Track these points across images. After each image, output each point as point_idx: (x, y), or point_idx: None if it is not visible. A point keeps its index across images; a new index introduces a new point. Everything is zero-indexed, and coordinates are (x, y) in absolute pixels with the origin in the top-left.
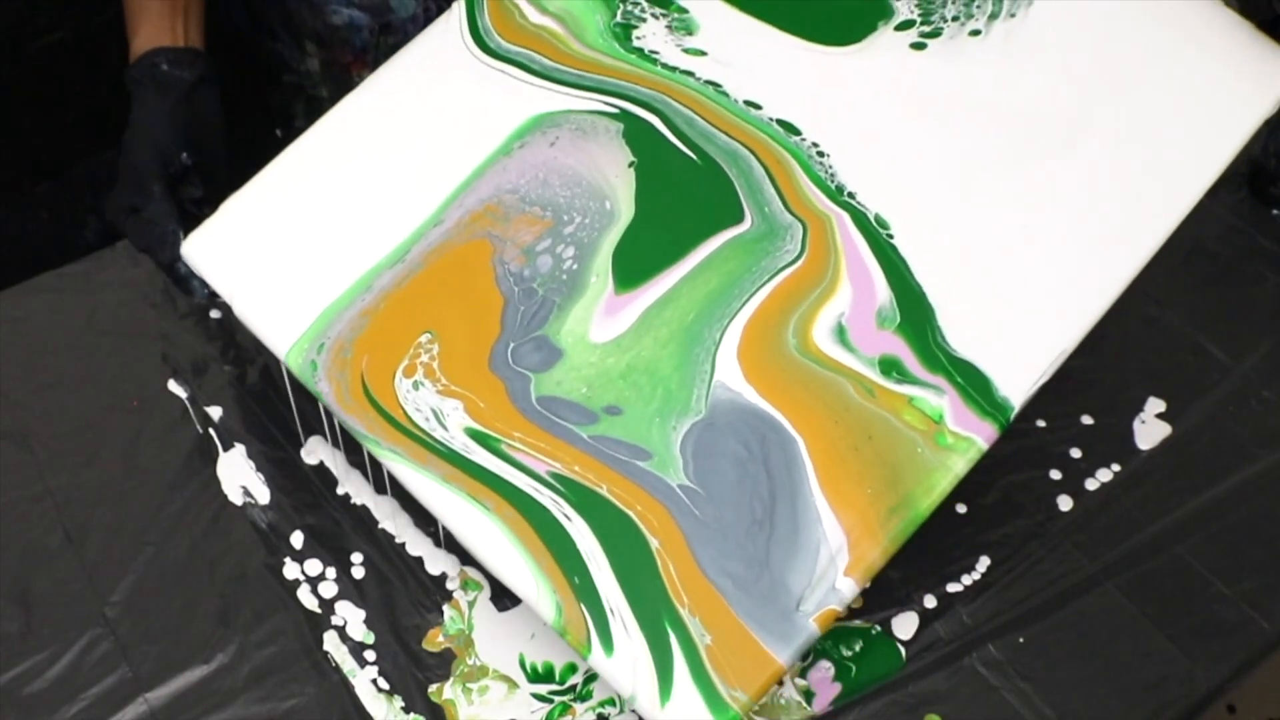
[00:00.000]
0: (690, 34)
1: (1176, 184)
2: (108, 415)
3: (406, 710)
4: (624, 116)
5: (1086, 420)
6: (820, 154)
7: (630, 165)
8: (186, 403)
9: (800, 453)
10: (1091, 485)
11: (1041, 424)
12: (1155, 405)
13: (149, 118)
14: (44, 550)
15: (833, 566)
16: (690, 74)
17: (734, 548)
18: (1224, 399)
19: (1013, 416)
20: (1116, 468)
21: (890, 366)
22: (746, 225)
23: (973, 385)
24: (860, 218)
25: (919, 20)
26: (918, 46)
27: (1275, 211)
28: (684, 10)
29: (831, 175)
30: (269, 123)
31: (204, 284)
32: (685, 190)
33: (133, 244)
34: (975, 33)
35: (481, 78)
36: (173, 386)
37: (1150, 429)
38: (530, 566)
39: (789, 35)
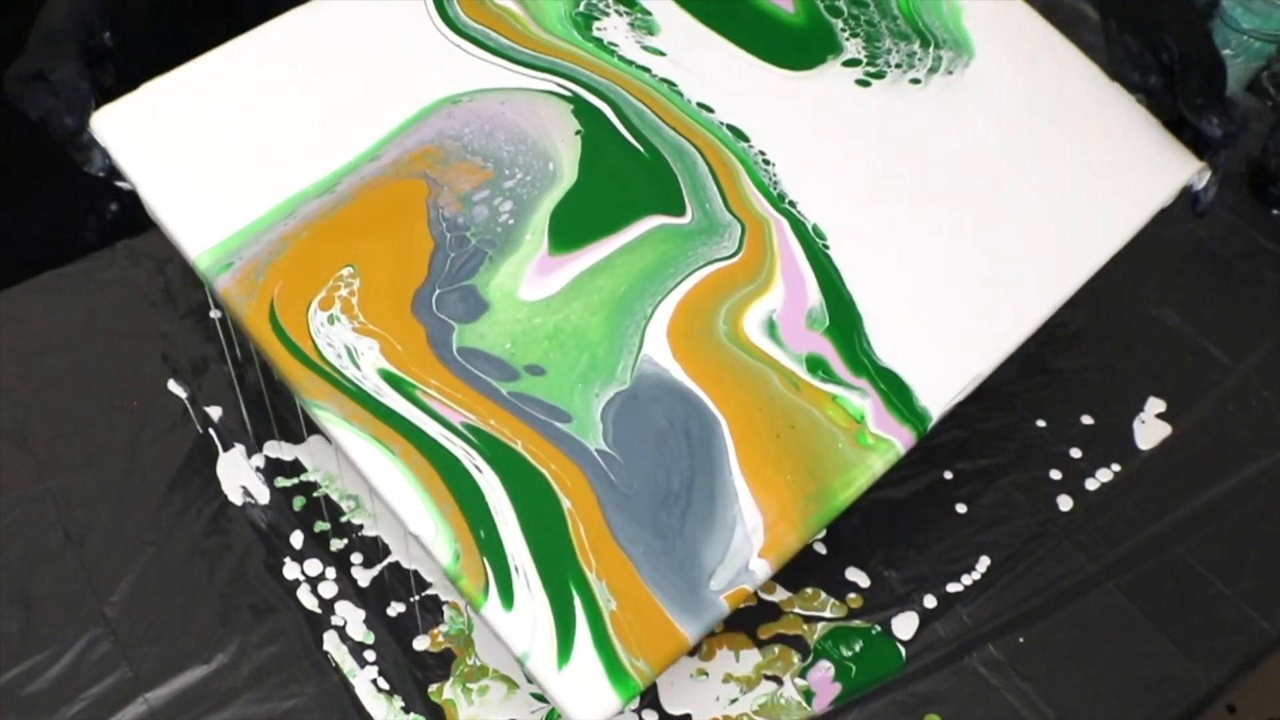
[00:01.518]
0: (651, 34)
1: (1084, 250)
2: (108, 415)
3: (406, 710)
4: (574, 99)
5: (1086, 420)
6: (766, 162)
7: (577, 133)
8: (186, 403)
9: (722, 433)
10: (1091, 485)
11: (1041, 424)
12: (1155, 405)
13: None
14: (44, 550)
15: (747, 545)
16: (646, 69)
17: (648, 517)
18: (1224, 399)
19: (930, 426)
20: (1116, 468)
21: (816, 365)
22: (687, 219)
23: (895, 392)
24: (799, 225)
25: (865, 61)
26: (863, 83)
27: (1275, 211)
28: (647, 12)
29: (775, 182)
30: None
31: (106, 157)
32: (628, 174)
33: (29, 111)
34: (915, 81)
35: (437, 45)
36: (173, 386)
37: (1150, 429)
38: (432, 513)
39: (745, 52)
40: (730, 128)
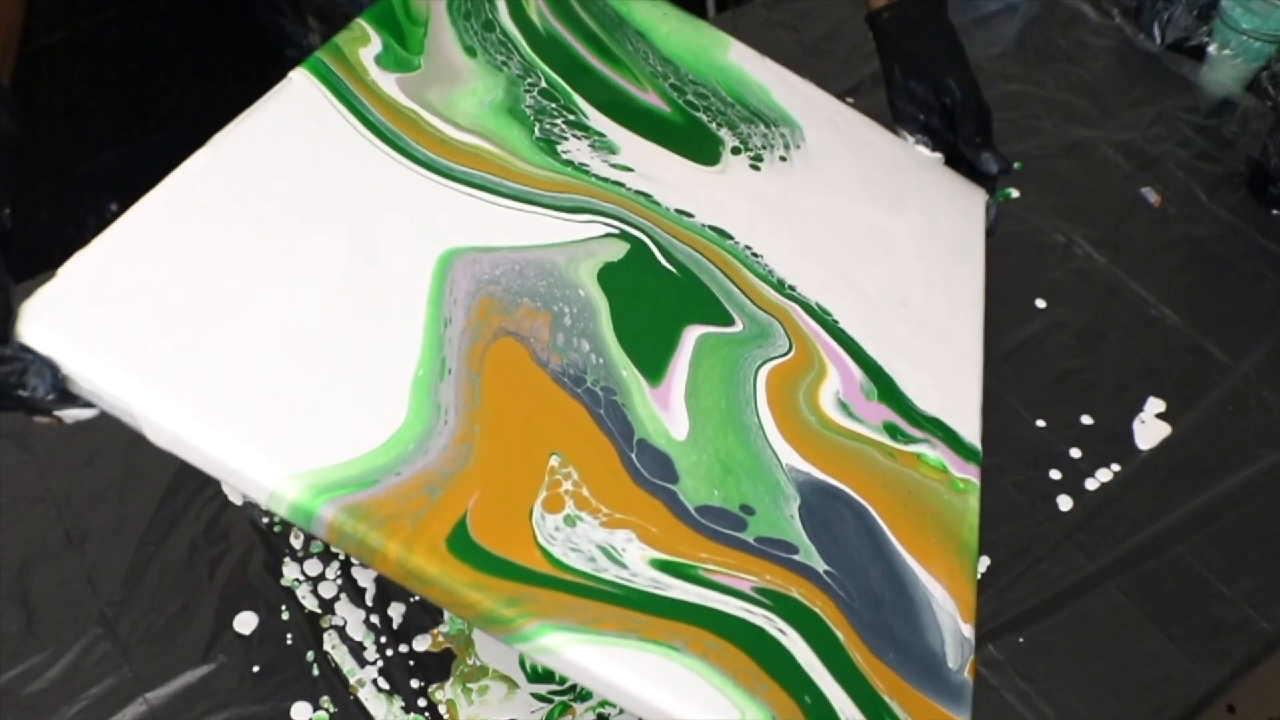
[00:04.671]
0: (613, 153)
1: (965, 270)
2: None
3: (406, 710)
4: (622, 235)
5: (1086, 420)
6: (754, 254)
7: (605, 266)
8: None
9: (874, 518)
10: (1091, 485)
11: (1041, 424)
12: (1155, 405)
13: None
14: (44, 550)
15: (949, 617)
16: (621, 185)
17: (877, 622)
18: (1224, 399)
19: (982, 459)
20: (1116, 468)
21: (893, 430)
22: (739, 328)
23: (949, 437)
24: (808, 308)
25: (742, 147)
26: (754, 167)
27: (1275, 211)
28: (602, 134)
29: (770, 271)
30: None
31: (52, 374)
32: (652, 287)
33: None
34: (783, 158)
35: (434, 194)
36: None
37: (1150, 429)
38: (739, 698)
39: (673, 153)
40: (713, 228)
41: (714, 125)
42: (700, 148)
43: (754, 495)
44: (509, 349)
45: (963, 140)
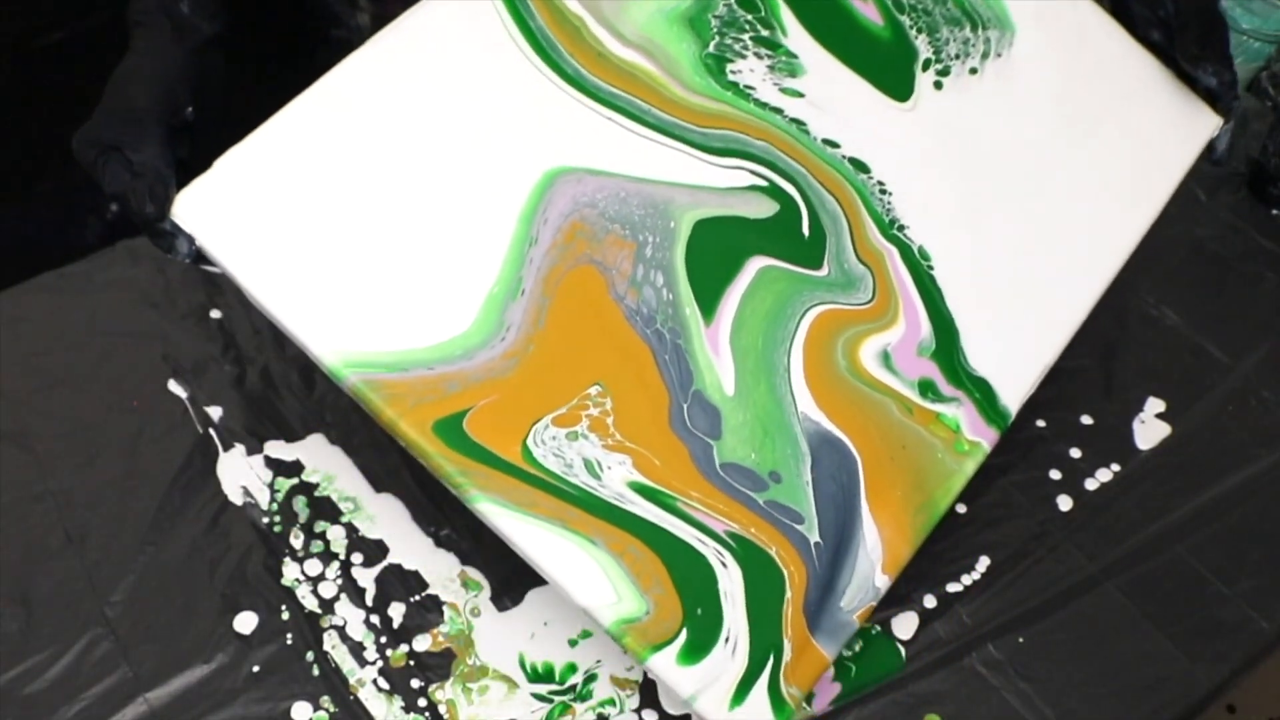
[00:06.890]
0: (793, 76)
1: (1129, 218)
2: (108, 415)
3: (406, 710)
4: (771, 188)
5: (1086, 420)
6: (883, 191)
7: (724, 210)
8: (186, 403)
9: (858, 469)
10: (1091, 485)
11: (1041, 424)
12: (1155, 405)
13: (159, 56)
14: (44, 550)
15: (869, 564)
16: (779, 111)
17: (820, 575)
18: (1224, 399)
19: (1010, 423)
20: (1116, 468)
21: (927, 388)
22: (824, 273)
23: (985, 398)
24: (907, 252)
25: (934, 59)
26: (937, 85)
27: (1275, 211)
28: (793, 55)
29: (888, 210)
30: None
31: (192, 243)
32: (742, 220)
33: (104, 185)
34: (974, 70)
35: (570, 113)
36: (173, 386)
37: (1150, 429)
38: (625, 589)
39: (862, 79)
40: (853, 161)
41: (914, 32)
42: (893, 73)
43: (783, 461)
44: (589, 277)
45: (1180, 53)
